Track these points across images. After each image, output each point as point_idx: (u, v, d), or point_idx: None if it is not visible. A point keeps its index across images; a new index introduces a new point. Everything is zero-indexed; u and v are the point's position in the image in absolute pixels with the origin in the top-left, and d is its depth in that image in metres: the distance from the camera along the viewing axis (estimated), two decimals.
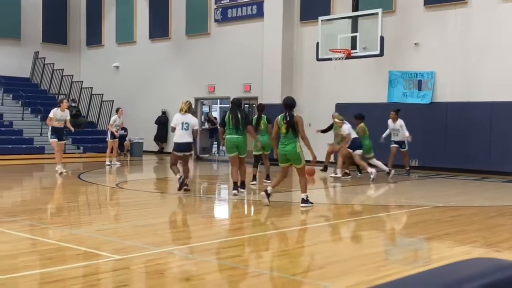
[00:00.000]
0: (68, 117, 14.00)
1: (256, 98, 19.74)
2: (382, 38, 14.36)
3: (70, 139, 19.67)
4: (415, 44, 16.12)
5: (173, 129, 10.27)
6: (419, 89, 16.10)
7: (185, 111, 10.12)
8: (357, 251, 6.10)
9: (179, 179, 9.93)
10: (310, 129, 18.36)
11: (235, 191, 9.89)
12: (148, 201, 10.03)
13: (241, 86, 20.01)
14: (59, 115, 13.75)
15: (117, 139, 16.54)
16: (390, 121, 14.41)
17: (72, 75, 23.08)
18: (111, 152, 16.46)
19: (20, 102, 20.84)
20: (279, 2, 18.43)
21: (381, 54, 14.59)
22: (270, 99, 18.65)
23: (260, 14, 19.20)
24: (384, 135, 14.49)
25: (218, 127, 10.18)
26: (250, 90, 19.90)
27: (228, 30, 20.38)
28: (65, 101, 14.42)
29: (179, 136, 10.07)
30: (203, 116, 21.15)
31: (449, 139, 15.45)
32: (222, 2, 20.47)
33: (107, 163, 16.10)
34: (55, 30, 24.44)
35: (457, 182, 13.43)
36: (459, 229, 7.30)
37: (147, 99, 22.76)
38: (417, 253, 6.21)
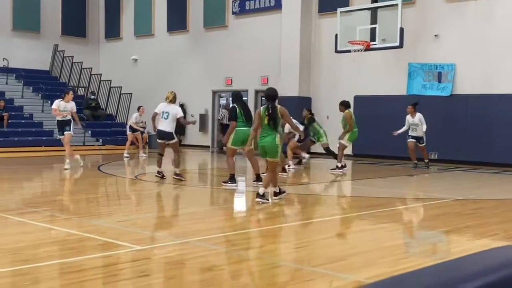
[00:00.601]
0: (74, 109, 13.29)
1: None
2: (401, 30, 14.23)
3: (90, 132, 19.85)
4: (435, 35, 15.94)
5: (154, 115, 10.65)
6: (439, 81, 15.94)
7: (170, 100, 10.37)
8: (377, 244, 6.08)
9: (158, 172, 10.42)
10: (328, 121, 18.38)
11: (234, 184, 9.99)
12: (167, 192, 10.09)
13: (259, 79, 19.99)
14: (62, 106, 13.04)
15: (137, 132, 16.69)
16: (408, 116, 14.00)
17: (91, 68, 23.26)
18: (131, 144, 16.65)
19: (40, 95, 21.05)
20: None
21: (401, 46, 14.45)
22: (288, 91, 18.61)
23: (278, 6, 19.13)
24: (400, 131, 14.06)
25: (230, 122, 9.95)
26: (267, 82, 19.85)
27: (245, 23, 20.35)
28: (71, 92, 13.58)
29: (160, 124, 10.53)
30: (220, 109, 21.15)
31: (469, 131, 15.29)
32: None
33: (125, 155, 16.22)
34: (74, 23, 24.63)
35: (477, 175, 13.30)
36: (479, 222, 7.23)
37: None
38: (437, 246, 6.17)
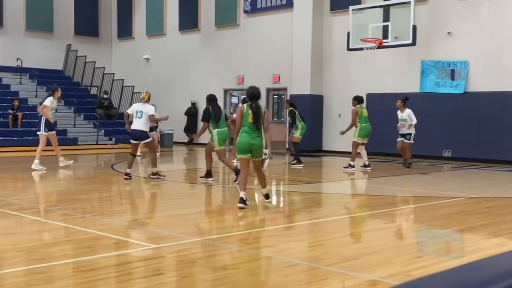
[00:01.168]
0: (56, 107, 13.00)
1: (285, 89, 19.70)
2: (414, 27, 14.14)
3: (103, 131, 19.96)
4: (448, 33, 15.84)
5: (127, 115, 10.85)
6: (452, 79, 15.84)
7: (146, 100, 10.45)
8: (391, 242, 6.06)
9: (126, 174, 10.49)
10: (340, 120, 18.31)
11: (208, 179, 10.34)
12: (179, 191, 10.13)
13: (270, 77, 19.98)
14: (54, 104, 12.87)
15: (154, 132, 16.73)
16: (398, 112, 13.40)
17: (104, 67, 23.37)
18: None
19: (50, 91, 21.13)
20: None
21: (414, 43, 14.37)
22: (299, 89, 18.59)
23: (289, 4, 19.10)
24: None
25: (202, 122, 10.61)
26: (279, 80, 19.85)
27: (257, 21, 20.34)
28: (59, 89, 13.28)
29: (134, 124, 10.60)
30: (231, 107, 21.18)
31: (483, 129, 15.18)
32: None
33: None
34: (87, 23, 24.76)
35: (491, 173, 13.20)
36: (494, 220, 7.18)
37: (177, 91, 22.91)
38: (453, 245, 6.13)
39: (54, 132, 13.05)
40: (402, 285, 1.43)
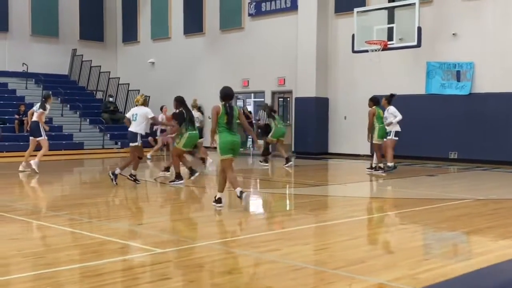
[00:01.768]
0: None
1: (290, 92, 19.70)
2: (419, 29, 14.13)
3: (108, 135, 20.01)
4: (453, 34, 15.80)
5: (127, 120, 10.88)
6: (458, 80, 15.79)
7: (141, 104, 10.47)
8: (398, 245, 6.03)
9: (130, 175, 10.60)
10: (345, 122, 18.28)
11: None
12: (185, 195, 10.12)
13: (275, 80, 19.99)
14: (48, 110, 13.04)
15: (160, 135, 16.80)
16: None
17: (109, 72, 23.46)
18: (158, 146, 16.87)
19: (59, 99, 21.25)
20: None
21: (419, 45, 14.35)
22: (305, 92, 18.58)
23: (294, 7, 19.11)
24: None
25: (177, 125, 10.90)
26: (284, 83, 19.85)
27: (262, 24, 20.36)
28: (52, 96, 13.58)
29: (130, 126, 10.68)
30: (258, 111, 21.15)
31: (489, 130, 15.12)
32: None
33: (148, 156, 16.34)
34: (92, 28, 24.86)
35: (497, 175, 13.14)
36: (501, 222, 7.15)
37: (182, 94, 22.67)
38: (460, 247, 6.10)
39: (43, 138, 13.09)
40: None
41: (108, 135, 20.08)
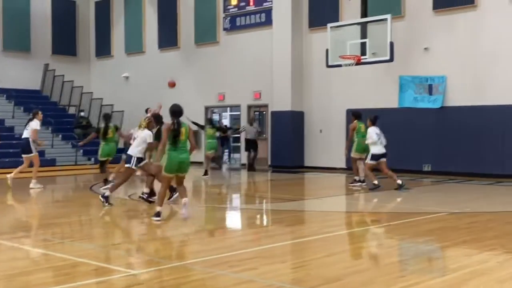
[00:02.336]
0: None
1: (266, 105, 19.73)
2: (391, 44, 14.28)
3: (81, 151, 19.73)
4: (425, 48, 16.04)
5: (127, 137, 11.52)
6: (430, 94, 16.01)
7: (144, 127, 10.37)
8: (373, 262, 6.03)
9: (142, 193, 10.58)
10: (321, 135, 18.36)
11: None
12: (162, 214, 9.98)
13: (251, 94, 20.01)
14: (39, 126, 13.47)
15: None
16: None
17: (82, 86, 23.20)
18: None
19: (31, 115, 20.88)
20: (288, 10, 18.43)
21: (391, 59, 14.50)
22: (280, 106, 18.64)
23: (268, 22, 19.21)
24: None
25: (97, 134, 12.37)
26: (260, 97, 19.88)
27: (237, 38, 20.40)
28: (40, 112, 14.05)
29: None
30: (243, 125, 20.99)
31: (461, 143, 15.32)
32: (231, 10, 20.50)
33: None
34: (64, 42, 24.57)
35: (470, 187, 13.30)
36: (476, 236, 7.21)
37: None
38: (436, 262, 6.13)
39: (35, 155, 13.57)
40: None
41: (81, 151, 19.78)
